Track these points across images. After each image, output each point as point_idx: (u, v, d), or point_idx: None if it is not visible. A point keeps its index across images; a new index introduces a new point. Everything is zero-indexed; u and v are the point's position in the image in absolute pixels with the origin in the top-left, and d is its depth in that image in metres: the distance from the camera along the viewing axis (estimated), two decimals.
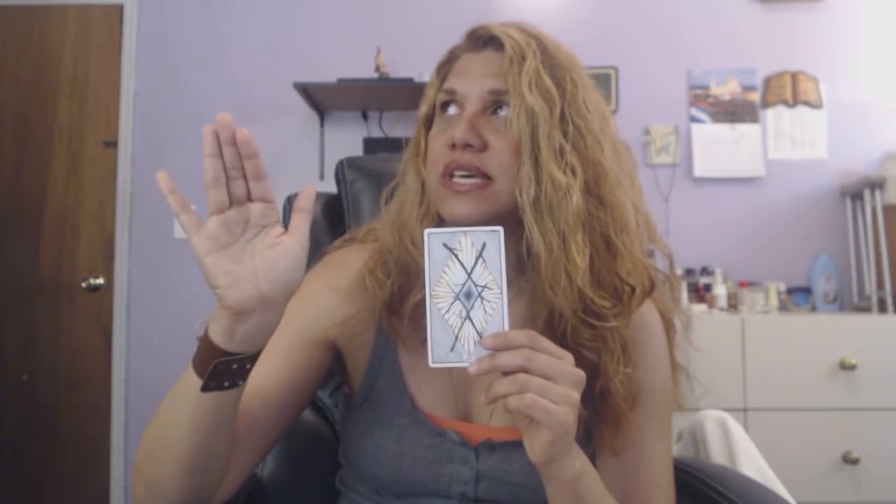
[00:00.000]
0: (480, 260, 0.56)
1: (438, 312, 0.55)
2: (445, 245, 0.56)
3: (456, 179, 0.68)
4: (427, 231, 0.56)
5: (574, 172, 0.66)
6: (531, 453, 0.55)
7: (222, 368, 0.56)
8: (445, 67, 0.76)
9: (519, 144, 0.67)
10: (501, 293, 0.55)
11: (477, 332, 0.55)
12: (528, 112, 0.66)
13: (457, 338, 0.55)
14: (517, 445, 0.69)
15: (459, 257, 0.56)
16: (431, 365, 0.55)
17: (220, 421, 0.60)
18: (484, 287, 0.55)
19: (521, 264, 0.72)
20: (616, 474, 0.72)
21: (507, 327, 0.55)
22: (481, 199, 0.68)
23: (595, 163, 0.68)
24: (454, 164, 0.67)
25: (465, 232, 0.56)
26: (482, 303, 0.55)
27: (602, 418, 0.71)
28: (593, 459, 0.74)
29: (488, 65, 0.71)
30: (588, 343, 0.68)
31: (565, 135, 0.67)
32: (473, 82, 0.70)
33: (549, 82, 0.67)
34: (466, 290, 0.55)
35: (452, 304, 0.55)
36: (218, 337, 0.55)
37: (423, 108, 0.76)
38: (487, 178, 0.68)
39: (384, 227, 0.76)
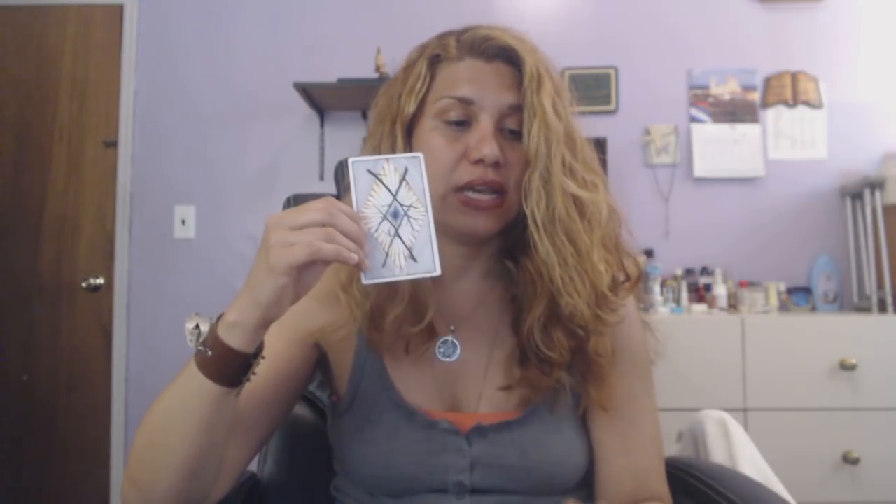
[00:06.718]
0: (404, 183, 0.59)
1: (368, 231, 0.57)
2: (370, 171, 0.59)
3: (474, 195, 0.69)
4: (351, 159, 0.59)
5: (595, 186, 0.70)
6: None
7: (244, 369, 0.59)
8: (437, 68, 0.73)
9: (529, 160, 0.69)
10: (427, 211, 0.58)
11: (406, 247, 0.58)
12: (548, 130, 0.68)
13: (387, 254, 0.57)
14: (506, 427, 0.73)
15: (384, 181, 0.59)
16: (364, 282, 0.57)
17: (225, 418, 0.61)
18: (410, 206, 0.58)
19: (503, 253, 0.76)
20: (609, 430, 0.77)
21: (434, 241, 0.58)
22: (499, 215, 0.71)
23: (598, 172, 0.72)
24: (478, 180, 0.69)
25: (387, 159, 0.59)
26: (409, 221, 0.58)
27: (585, 378, 0.75)
28: (584, 421, 0.78)
29: (502, 77, 0.71)
30: (587, 325, 0.71)
31: (573, 152, 0.70)
32: (491, 94, 0.70)
33: (559, 102, 0.70)
34: (393, 210, 0.58)
35: (381, 223, 0.58)
36: (237, 342, 0.57)
37: (411, 106, 0.72)
38: (504, 193, 0.70)
39: None
